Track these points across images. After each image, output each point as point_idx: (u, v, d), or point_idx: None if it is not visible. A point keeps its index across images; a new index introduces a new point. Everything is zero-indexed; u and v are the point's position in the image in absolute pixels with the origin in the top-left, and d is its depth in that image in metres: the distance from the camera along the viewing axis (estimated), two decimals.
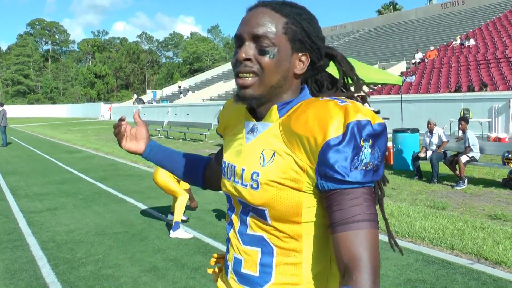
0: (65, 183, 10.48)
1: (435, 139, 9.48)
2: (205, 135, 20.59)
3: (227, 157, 1.33)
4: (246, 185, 1.22)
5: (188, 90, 48.97)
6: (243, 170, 1.24)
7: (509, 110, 15.80)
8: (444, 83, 22.37)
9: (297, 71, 1.22)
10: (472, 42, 28.31)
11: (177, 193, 6.07)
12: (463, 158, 8.67)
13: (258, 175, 1.19)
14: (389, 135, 12.14)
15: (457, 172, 8.89)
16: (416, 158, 9.57)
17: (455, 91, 19.87)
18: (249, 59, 1.16)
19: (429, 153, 9.42)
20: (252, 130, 1.26)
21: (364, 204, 1.09)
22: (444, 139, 9.38)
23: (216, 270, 1.53)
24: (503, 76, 20.76)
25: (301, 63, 1.22)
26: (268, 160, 1.18)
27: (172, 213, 6.70)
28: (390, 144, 11.62)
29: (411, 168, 10.27)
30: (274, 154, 1.18)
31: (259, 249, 1.22)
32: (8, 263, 5.14)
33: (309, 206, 1.16)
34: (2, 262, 5.18)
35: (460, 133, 9.24)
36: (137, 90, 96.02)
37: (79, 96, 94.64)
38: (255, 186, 1.19)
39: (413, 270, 4.58)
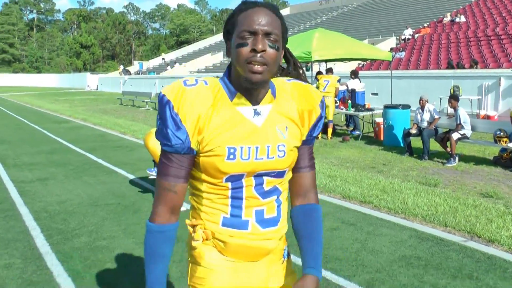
0: (54, 153, 10.37)
1: (426, 116, 9.48)
2: None
3: (237, 142, 1.47)
4: (273, 157, 1.52)
5: (175, 62, 48.46)
6: (268, 146, 1.51)
7: (499, 88, 15.86)
8: (434, 60, 22.35)
9: (280, 61, 1.55)
10: (462, 19, 28.22)
11: None
12: (455, 135, 8.71)
13: (284, 146, 1.53)
14: (380, 111, 12.16)
15: (448, 149, 8.94)
16: (407, 134, 9.59)
17: (448, 67, 19.84)
18: (264, 51, 1.40)
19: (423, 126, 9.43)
20: (257, 114, 1.51)
21: None
22: (436, 116, 9.39)
23: (203, 238, 1.59)
24: (493, 53, 20.77)
25: (281, 55, 1.54)
26: (285, 133, 1.54)
27: None
28: (380, 120, 11.64)
29: (401, 144, 10.30)
30: (287, 127, 1.55)
31: (275, 196, 1.58)
32: (2, 233, 5.11)
33: None
34: None
35: (450, 110, 9.26)
36: (124, 61, 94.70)
37: (65, 66, 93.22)
38: (281, 155, 1.53)
39: (407, 247, 4.60)
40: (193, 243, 1.57)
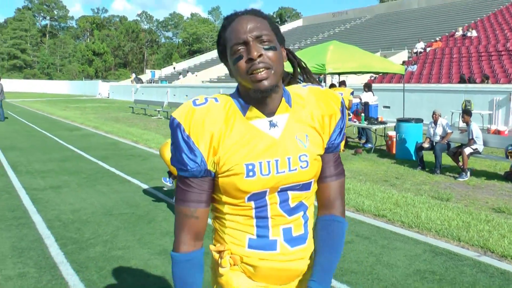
0: (66, 161, 10.44)
1: (439, 130, 9.47)
2: None
3: (255, 158, 1.41)
4: (295, 169, 1.45)
5: (187, 72, 48.71)
6: (289, 158, 1.44)
7: (510, 103, 15.81)
8: (446, 74, 22.31)
9: (284, 61, 1.47)
10: (474, 33, 28.18)
11: None
12: (467, 150, 8.68)
13: (306, 156, 1.46)
14: (393, 124, 12.15)
15: (460, 163, 8.90)
16: (420, 148, 9.57)
17: (460, 82, 19.81)
18: (261, 55, 1.35)
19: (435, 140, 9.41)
20: (273, 125, 1.45)
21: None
22: (448, 131, 9.38)
23: (230, 264, 1.51)
24: (504, 69, 20.70)
25: (283, 54, 1.48)
26: (306, 142, 1.47)
27: None
28: (393, 133, 11.63)
29: (413, 158, 10.27)
30: (307, 136, 1.48)
31: (301, 212, 1.51)
32: (15, 241, 5.13)
33: None
34: (9, 240, 5.17)
35: (461, 124, 9.26)
36: (136, 69, 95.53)
37: (77, 73, 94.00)
38: (304, 166, 1.46)
39: (421, 261, 4.59)
40: (221, 270, 1.49)
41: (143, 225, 5.73)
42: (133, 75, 55.41)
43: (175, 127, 1.40)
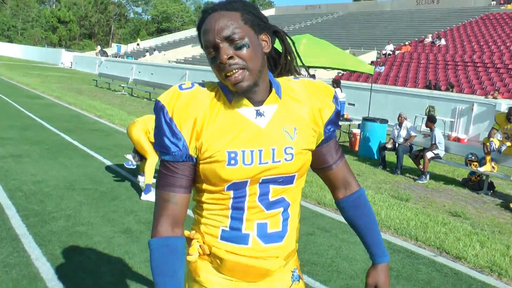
0: (28, 129, 10.18)
1: (403, 132, 9.69)
2: None
3: (238, 146, 1.37)
4: (279, 161, 1.41)
5: (154, 50, 47.98)
6: (273, 149, 1.40)
7: (471, 113, 16.30)
8: (412, 78, 22.79)
9: (265, 50, 1.41)
10: (442, 42, 28.80)
11: (148, 154, 5.98)
12: (429, 154, 8.93)
13: (292, 149, 1.42)
14: (358, 123, 12.34)
15: (421, 166, 9.15)
16: (383, 148, 9.78)
17: (427, 86, 20.28)
18: (231, 57, 1.32)
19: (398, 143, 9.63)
20: (260, 114, 1.41)
21: None
22: (412, 134, 9.60)
23: (199, 252, 1.48)
24: (468, 79, 21.31)
25: (265, 42, 1.41)
26: (294, 135, 1.43)
27: (142, 175, 6.64)
28: (357, 131, 11.82)
29: (375, 156, 10.49)
30: (295, 128, 1.44)
31: (281, 208, 1.46)
32: None
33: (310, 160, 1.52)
34: None
35: (423, 128, 9.49)
36: (101, 41, 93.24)
37: (39, 39, 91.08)
38: (289, 158, 1.42)
39: None
40: (188, 258, 1.46)
41: (107, 202, 5.67)
42: (99, 47, 54.15)
43: (158, 109, 1.37)
